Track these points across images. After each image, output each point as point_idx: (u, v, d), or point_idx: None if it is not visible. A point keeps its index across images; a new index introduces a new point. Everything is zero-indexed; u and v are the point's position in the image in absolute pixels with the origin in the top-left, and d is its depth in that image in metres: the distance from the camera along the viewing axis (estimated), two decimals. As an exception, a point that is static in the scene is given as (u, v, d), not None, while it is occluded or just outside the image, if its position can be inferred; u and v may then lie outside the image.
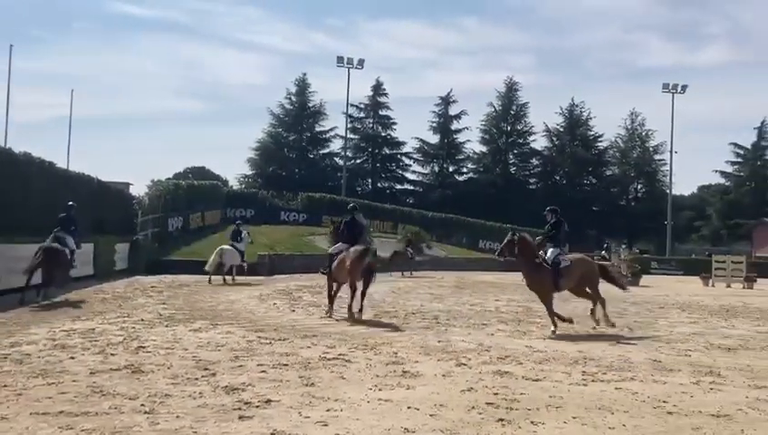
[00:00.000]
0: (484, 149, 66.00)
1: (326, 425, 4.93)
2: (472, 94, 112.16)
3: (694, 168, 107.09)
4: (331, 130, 63.54)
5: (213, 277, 19.38)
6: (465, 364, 7.50)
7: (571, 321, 10.66)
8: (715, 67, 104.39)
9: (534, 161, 67.02)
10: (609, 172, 67.16)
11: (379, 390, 6.12)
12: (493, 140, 65.70)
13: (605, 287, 11.48)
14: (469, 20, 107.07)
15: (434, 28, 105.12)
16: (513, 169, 66.29)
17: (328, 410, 5.32)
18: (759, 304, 18.24)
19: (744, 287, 27.06)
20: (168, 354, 7.62)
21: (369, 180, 64.96)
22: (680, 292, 22.81)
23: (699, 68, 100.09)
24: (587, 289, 11.11)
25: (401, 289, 19.72)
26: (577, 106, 66.16)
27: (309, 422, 4.99)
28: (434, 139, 65.35)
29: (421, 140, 65.17)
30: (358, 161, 64.81)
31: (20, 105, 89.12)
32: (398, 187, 65.84)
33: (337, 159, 63.22)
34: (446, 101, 65.19)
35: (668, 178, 59.31)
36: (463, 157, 66.14)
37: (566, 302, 12.37)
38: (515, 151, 66.49)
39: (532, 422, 5.16)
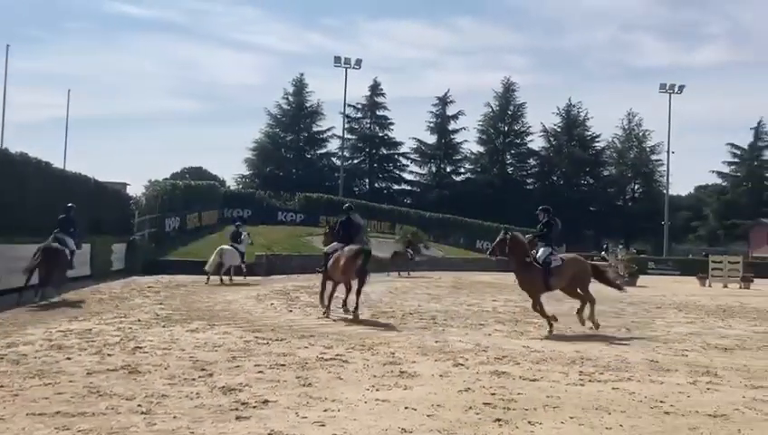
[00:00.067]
0: (481, 149, 66.13)
1: (323, 425, 4.93)
2: (469, 94, 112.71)
3: (691, 168, 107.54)
4: (329, 130, 63.62)
5: (210, 277, 19.34)
6: (462, 364, 7.50)
7: (554, 319, 10.54)
8: (713, 67, 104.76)
9: (532, 162, 67.16)
10: (606, 172, 67.31)
11: (377, 390, 6.12)
12: (490, 141, 65.78)
13: (597, 287, 11.46)
14: (467, 20, 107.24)
15: (432, 28, 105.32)
16: (510, 170, 66.38)
17: (325, 411, 5.32)
18: (756, 304, 18.27)
19: (740, 287, 27.10)
20: (164, 355, 7.61)
21: (367, 180, 64.98)
22: (677, 292, 22.83)
23: (696, 68, 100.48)
24: (578, 289, 11.03)
25: (398, 289, 19.73)
26: (574, 106, 66.35)
27: (306, 423, 4.98)
28: (431, 139, 65.48)
29: (418, 140, 65.29)
30: (355, 161, 64.85)
31: (18, 105, 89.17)
32: (396, 187, 65.94)
33: (334, 160, 63.25)
34: (444, 101, 65.28)
35: (665, 178, 59.51)
36: (460, 157, 66.28)
37: (560, 302, 12.37)
38: (513, 152, 66.59)
39: (529, 422, 5.16)
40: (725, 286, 27.52)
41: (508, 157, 66.53)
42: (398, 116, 78.66)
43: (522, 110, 65.82)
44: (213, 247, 20.83)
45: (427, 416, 5.26)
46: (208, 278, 19.25)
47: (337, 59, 52.50)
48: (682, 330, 11.59)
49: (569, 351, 8.63)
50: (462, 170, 66.82)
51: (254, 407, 5.38)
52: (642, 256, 40.57)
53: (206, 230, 32.74)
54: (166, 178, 42.63)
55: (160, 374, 6.54)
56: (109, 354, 7.55)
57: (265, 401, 5.55)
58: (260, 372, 6.79)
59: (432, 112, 65.49)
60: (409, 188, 65.89)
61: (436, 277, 26.99)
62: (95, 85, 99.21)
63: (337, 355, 7.84)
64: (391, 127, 64.92)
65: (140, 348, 8.01)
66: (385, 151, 65.50)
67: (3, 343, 8.10)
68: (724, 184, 67.55)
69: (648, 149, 65.54)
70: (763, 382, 6.97)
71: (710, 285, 28.19)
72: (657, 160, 64.51)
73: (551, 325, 10.33)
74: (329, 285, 12.34)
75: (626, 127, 66.57)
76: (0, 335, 8.73)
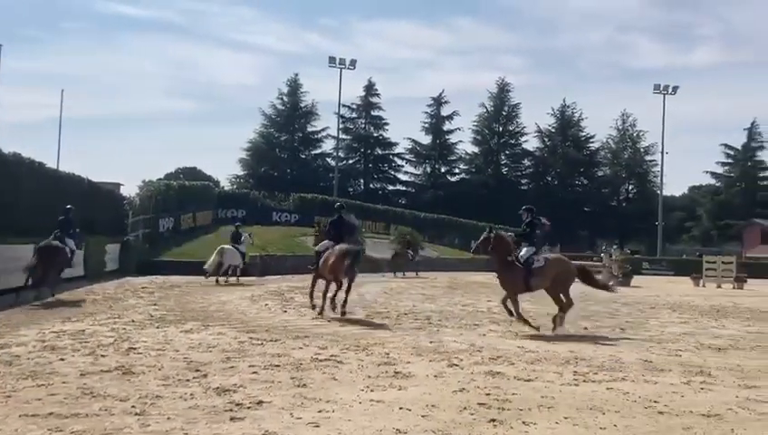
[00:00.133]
0: (476, 149, 66.31)
1: (318, 426, 4.92)
2: (464, 95, 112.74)
3: (684, 168, 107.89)
4: (323, 130, 63.70)
5: (210, 277, 19.35)
6: (456, 365, 7.50)
7: (527, 322, 10.52)
8: (707, 68, 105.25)
9: (526, 162, 67.38)
10: (600, 173, 67.57)
11: (371, 391, 6.11)
12: (485, 141, 65.94)
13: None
14: (461, 20, 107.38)
15: (426, 28, 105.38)
16: (504, 170, 66.56)
17: (320, 412, 5.31)
18: (749, 304, 18.35)
19: (734, 288, 27.22)
20: (158, 356, 7.59)
21: (362, 181, 65.02)
22: (671, 292, 22.91)
23: (690, 69, 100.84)
24: (560, 293, 10.77)
25: (393, 289, 19.73)
26: (569, 107, 66.63)
27: (300, 423, 4.98)
28: (426, 139, 65.64)
29: (413, 140, 65.42)
30: (350, 162, 64.88)
31: (15, 105, 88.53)
32: (391, 187, 66.03)
33: (329, 160, 63.33)
34: (439, 101, 65.40)
35: (659, 178, 59.85)
36: (455, 157, 66.45)
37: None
38: (507, 152, 66.78)
39: (523, 423, 5.16)
40: (719, 287, 27.62)
41: (503, 157, 66.72)
42: (392, 116, 78.72)
43: (516, 110, 66.10)
44: (207, 248, 20.82)
45: (422, 416, 5.26)
46: (207, 275, 19.25)
47: (332, 59, 52.47)
48: (676, 330, 11.63)
49: (563, 351, 8.64)
50: (456, 171, 67.07)
51: (249, 408, 5.37)
52: (636, 256, 40.74)
53: (201, 231, 32.66)
54: (160, 179, 42.46)
55: (154, 375, 6.51)
56: (102, 355, 7.52)
57: (260, 402, 5.54)
58: (254, 372, 6.77)
59: (427, 113, 65.72)
60: (404, 188, 66.01)
61: (432, 278, 27.01)
62: (92, 85, 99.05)
63: (331, 356, 7.82)
64: (386, 127, 65.12)
65: (134, 349, 7.98)
66: (380, 152, 65.57)
67: (-5, 344, 8.05)
68: (717, 184, 67.91)
69: (642, 150, 65.89)
70: (757, 382, 7.00)
71: (704, 286, 28.30)
72: (651, 161, 64.95)
73: (528, 324, 10.37)
74: (321, 283, 12.40)
75: (620, 127, 66.94)
76: (-7, 336, 8.69)
